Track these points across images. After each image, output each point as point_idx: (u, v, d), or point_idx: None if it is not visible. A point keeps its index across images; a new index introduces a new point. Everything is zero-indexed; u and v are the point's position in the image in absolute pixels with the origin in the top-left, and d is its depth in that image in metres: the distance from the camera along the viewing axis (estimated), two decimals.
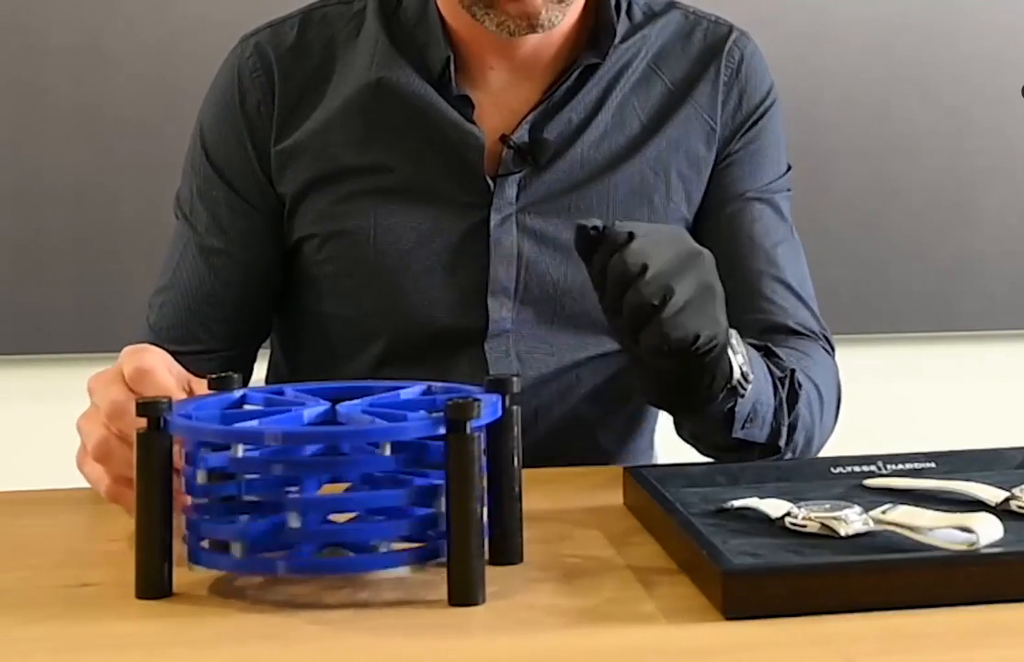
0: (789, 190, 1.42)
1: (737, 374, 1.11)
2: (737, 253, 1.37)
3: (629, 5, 1.38)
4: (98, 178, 2.24)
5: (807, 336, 1.36)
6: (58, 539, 1.05)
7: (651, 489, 1.03)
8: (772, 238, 1.37)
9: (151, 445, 0.87)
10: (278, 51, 1.35)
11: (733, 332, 1.11)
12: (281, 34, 1.36)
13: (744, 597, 0.82)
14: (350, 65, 1.35)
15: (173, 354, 1.33)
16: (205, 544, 0.88)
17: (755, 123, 1.39)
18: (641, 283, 1.00)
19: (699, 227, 1.39)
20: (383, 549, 0.88)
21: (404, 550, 0.87)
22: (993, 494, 1.02)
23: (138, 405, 0.88)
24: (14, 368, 2.27)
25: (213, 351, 1.36)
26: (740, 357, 1.12)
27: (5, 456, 2.22)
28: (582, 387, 1.38)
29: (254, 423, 0.89)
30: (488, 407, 0.88)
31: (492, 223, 1.33)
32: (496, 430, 0.92)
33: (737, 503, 1.02)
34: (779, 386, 1.22)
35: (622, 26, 1.36)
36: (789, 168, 1.43)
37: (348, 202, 1.34)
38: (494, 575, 0.88)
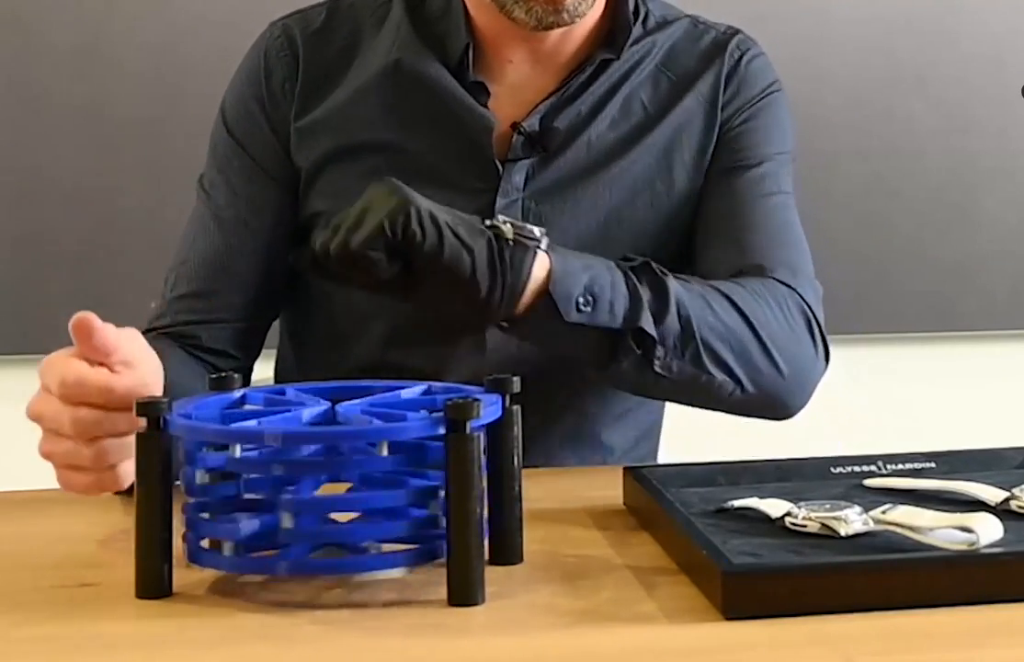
0: (793, 162, 1.41)
1: (509, 232, 1.11)
2: (721, 215, 1.36)
3: (646, 15, 1.41)
4: (98, 178, 2.23)
5: (758, 276, 1.31)
6: (58, 539, 1.05)
7: (651, 489, 1.03)
8: (755, 192, 1.36)
9: (151, 445, 0.87)
10: (304, 33, 1.40)
11: (533, 231, 1.13)
12: (309, 19, 1.41)
13: (744, 597, 0.82)
14: (373, 49, 1.38)
15: (186, 323, 1.35)
16: (205, 544, 0.88)
17: (755, 104, 1.40)
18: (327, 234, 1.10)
19: (700, 202, 1.38)
20: (382, 549, 0.88)
21: (403, 550, 0.88)
22: (993, 494, 1.02)
23: (138, 405, 0.88)
24: (14, 368, 2.27)
25: (225, 322, 1.37)
26: (516, 229, 1.12)
27: (5, 456, 2.22)
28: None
29: (253, 423, 0.89)
30: (488, 407, 0.88)
31: (497, 207, 1.34)
32: (496, 430, 0.92)
33: (737, 503, 1.02)
34: (629, 273, 1.18)
35: (636, 30, 1.39)
36: (794, 158, 1.43)
37: (362, 180, 1.34)
38: (494, 575, 0.88)
